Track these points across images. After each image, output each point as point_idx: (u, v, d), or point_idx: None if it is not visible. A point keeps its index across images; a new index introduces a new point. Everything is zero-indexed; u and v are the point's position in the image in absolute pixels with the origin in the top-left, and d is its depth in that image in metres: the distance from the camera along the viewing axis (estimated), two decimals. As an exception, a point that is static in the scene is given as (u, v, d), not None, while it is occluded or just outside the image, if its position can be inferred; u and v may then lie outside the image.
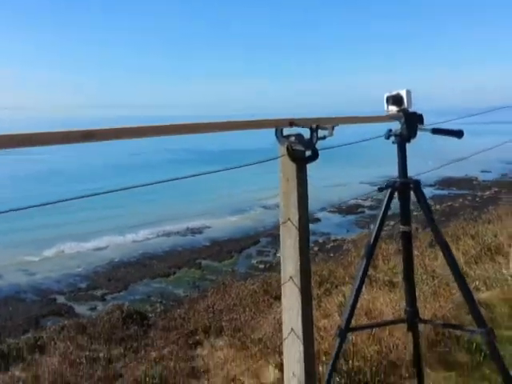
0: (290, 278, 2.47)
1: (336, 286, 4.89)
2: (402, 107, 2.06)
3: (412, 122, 2.04)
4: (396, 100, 2.07)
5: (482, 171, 30.20)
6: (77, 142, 1.68)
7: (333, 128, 2.30)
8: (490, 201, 22.52)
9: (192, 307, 4.95)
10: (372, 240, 2.08)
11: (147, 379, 3.55)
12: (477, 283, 4.33)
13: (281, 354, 3.43)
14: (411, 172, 2.17)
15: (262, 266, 16.25)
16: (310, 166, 2.59)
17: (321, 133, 2.38)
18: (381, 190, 2.12)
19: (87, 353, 3.84)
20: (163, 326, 4.36)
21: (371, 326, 3.22)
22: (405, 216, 2.12)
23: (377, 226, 2.08)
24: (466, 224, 6.59)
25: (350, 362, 3.20)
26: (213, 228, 20.91)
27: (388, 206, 2.09)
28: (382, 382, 3.03)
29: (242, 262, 16.77)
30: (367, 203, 24.04)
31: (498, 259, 4.89)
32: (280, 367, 3.19)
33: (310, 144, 2.36)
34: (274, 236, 19.01)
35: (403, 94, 2.06)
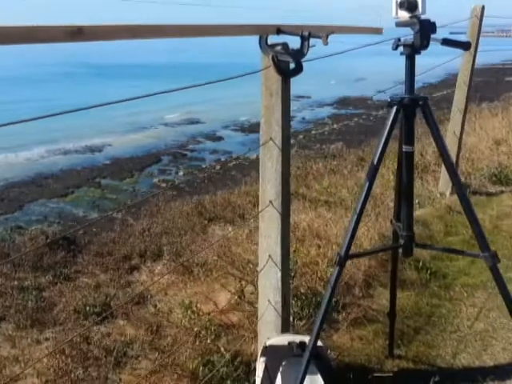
0: (270, 202, 2.30)
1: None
2: (416, 13, 1.87)
3: (426, 30, 1.86)
4: (409, 4, 1.86)
5: (377, 91, 31.18)
6: (61, 40, 1.33)
7: (327, 36, 2.07)
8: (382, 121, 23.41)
9: (124, 230, 4.68)
10: (376, 161, 1.93)
11: (87, 308, 3.31)
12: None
13: (235, 278, 3.33)
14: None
15: (164, 185, 15.96)
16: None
17: (312, 42, 2.15)
18: (390, 105, 1.96)
19: (15, 282, 3.51)
20: (95, 251, 4.06)
21: (370, 253, 3.17)
22: (409, 135, 1.99)
23: (381, 146, 1.93)
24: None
25: (308, 284, 3.15)
26: (113, 146, 20.02)
27: (393, 125, 1.94)
28: (338, 301, 3.03)
29: (143, 181, 16.32)
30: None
31: (427, 177, 5.04)
32: (239, 292, 3.07)
33: (300, 54, 2.12)
34: (175, 155, 18.68)
35: (418, -4, 1.86)
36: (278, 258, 2.35)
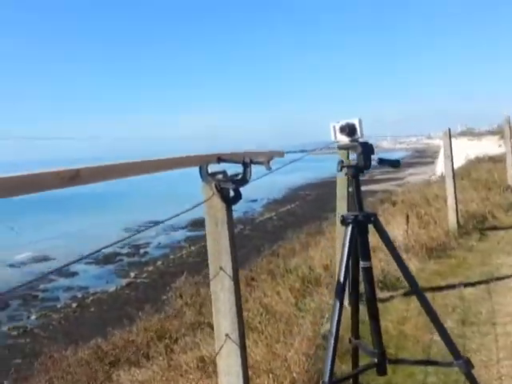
0: (227, 335, 2.16)
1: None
2: (355, 137, 2.00)
3: (367, 152, 1.99)
4: (350, 129, 1.99)
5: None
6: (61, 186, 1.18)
7: (268, 161, 2.12)
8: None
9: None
10: (342, 279, 1.94)
11: None
12: (318, 317, 4.46)
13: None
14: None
15: (15, 333, 14.39)
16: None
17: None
18: (344, 224, 2.01)
19: None
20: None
21: (349, 377, 3.01)
22: (365, 251, 2.04)
23: (344, 263, 1.95)
24: (269, 260, 6.83)
25: None
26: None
27: (352, 242, 1.98)
28: None
29: (-9, 333, 14.61)
30: (125, 251, 23.53)
31: (322, 291, 5.14)
32: None
33: (243, 181, 2.13)
34: (25, 297, 17.20)
35: (356, 122, 2.00)
36: (240, 397, 2.18)
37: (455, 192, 6.87)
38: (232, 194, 2.17)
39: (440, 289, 5.20)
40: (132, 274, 19.24)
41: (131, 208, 36.85)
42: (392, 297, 5.10)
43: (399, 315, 4.69)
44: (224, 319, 2.15)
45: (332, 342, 1.84)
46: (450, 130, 7.02)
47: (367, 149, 1.96)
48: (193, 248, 23.65)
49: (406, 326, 4.45)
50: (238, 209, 33.07)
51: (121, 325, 6.03)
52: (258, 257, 10.76)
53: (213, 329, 4.63)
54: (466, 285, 5.29)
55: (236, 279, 2.15)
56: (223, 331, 2.16)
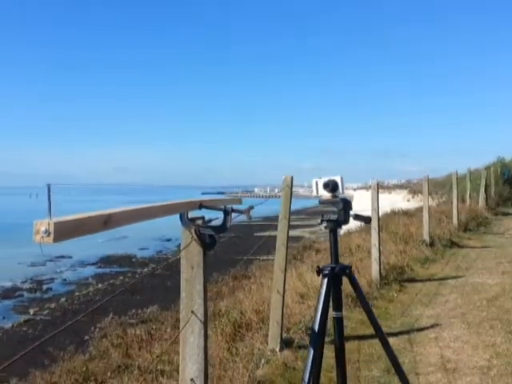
0: (192, 380, 2.14)
1: None
2: (337, 193, 2.09)
3: (347, 207, 2.09)
4: (331, 186, 2.08)
5: (140, 248, 31.52)
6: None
7: (249, 210, 2.18)
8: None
9: None
10: (317, 328, 1.99)
11: None
12: (250, 362, 4.45)
13: None
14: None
15: None
16: None
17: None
18: (322, 275, 2.07)
19: None
20: None
21: None
22: (338, 301, 2.11)
23: (319, 313, 2.01)
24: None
25: None
26: None
27: (328, 292, 2.05)
28: None
29: None
30: (26, 285, 22.28)
31: (252, 335, 5.15)
32: None
33: (223, 228, 2.16)
34: None
35: (338, 180, 2.10)
36: None
37: (379, 244, 7.18)
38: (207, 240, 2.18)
39: (365, 338, 5.36)
40: (31, 311, 18.13)
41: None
42: (320, 344, 5.19)
43: (328, 363, 4.77)
44: (191, 363, 2.14)
45: (305, 391, 1.87)
46: (378, 184, 7.37)
47: (347, 205, 2.07)
48: (100, 285, 22.80)
49: (334, 374, 4.54)
50: (151, 247, 32.56)
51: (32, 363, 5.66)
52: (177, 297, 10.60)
53: (142, 371, 4.51)
54: (389, 335, 5.48)
55: (206, 324, 2.15)
56: (188, 376, 2.14)
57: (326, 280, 2.05)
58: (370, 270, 7.27)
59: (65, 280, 24.22)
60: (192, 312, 2.13)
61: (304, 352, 4.96)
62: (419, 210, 14.91)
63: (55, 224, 1.00)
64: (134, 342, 5.04)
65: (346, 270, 2.09)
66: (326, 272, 2.07)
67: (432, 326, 5.76)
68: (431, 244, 9.70)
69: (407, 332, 5.67)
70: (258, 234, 31.29)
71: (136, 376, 4.44)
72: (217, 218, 2.29)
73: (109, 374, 4.62)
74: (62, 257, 28.08)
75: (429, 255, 9.18)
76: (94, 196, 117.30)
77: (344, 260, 7.87)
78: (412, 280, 7.77)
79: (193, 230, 2.12)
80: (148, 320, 6.03)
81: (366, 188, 42.51)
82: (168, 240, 34.91)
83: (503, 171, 21.86)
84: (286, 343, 5.00)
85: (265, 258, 11.80)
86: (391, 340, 5.30)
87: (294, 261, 8.52)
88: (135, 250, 30.52)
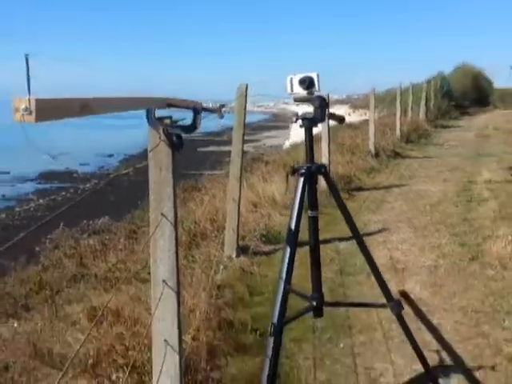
0: (164, 282, 2.13)
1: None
2: (313, 90, 2.02)
3: (323, 106, 2.03)
4: (308, 82, 2.01)
5: (81, 164, 30.75)
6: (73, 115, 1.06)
7: (220, 109, 2.09)
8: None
9: None
10: (294, 226, 1.99)
11: None
12: (208, 268, 4.50)
13: None
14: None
15: None
16: None
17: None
18: (298, 174, 2.05)
19: None
20: None
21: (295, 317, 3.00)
22: (313, 201, 2.10)
23: (296, 211, 2.01)
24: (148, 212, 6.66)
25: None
26: None
27: (304, 191, 2.04)
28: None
29: None
30: (-39, 203, 21.50)
31: (208, 243, 5.19)
32: None
33: (193, 127, 2.07)
34: None
35: (314, 76, 2.02)
36: (175, 341, 2.17)
37: (329, 154, 7.26)
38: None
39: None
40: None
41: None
42: (275, 250, 5.31)
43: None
44: (162, 265, 2.11)
45: (282, 285, 1.89)
46: (328, 95, 7.32)
47: (323, 103, 2.01)
48: (41, 201, 22.27)
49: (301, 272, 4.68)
50: (93, 163, 31.77)
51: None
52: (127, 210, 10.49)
53: (99, 280, 4.49)
54: (340, 239, 5.65)
55: (175, 226, 2.11)
56: (160, 277, 2.12)
57: (302, 179, 2.03)
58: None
59: (3, 196, 23.54)
60: (162, 214, 2.08)
61: (260, 258, 5.07)
62: (363, 123, 15.12)
63: (36, 101, 0.90)
64: (87, 252, 4.99)
65: (322, 169, 2.07)
66: (303, 171, 2.04)
67: (380, 231, 5.98)
68: (376, 155, 9.92)
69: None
70: (202, 150, 31.14)
71: (93, 284, 4.42)
72: (183, 119, 2.20)
73: (64, 283, 4.58)
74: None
75: (374, 165, 9.41)
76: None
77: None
78: (359, 189, 7.98)
79: (161, 130, 2.03)
80: (100, 231, 5.96)
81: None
82: (110, 156, 34.15)
83: (443, 84, 22.29)
84: (242, 250, 5.08)
85: (210, 172, 11.78)
86: (343, 244, 5.49)
87: (244, 173, 8.54)
88: (76, 166, 29.73)
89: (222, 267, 4.64)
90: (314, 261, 2.19)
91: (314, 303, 2.15)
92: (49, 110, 0.95)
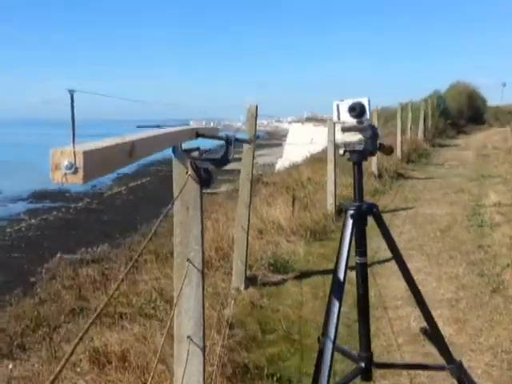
0: (189, 337, 1.85)
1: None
2: (365, 118, 1.78)
3: (375, 136, 1.78)
4: (358, 110, 1.76)
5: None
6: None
7: (252, 139, 1.84)
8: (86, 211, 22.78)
9: None
10: (342, 276, 1.73)
11: None
12: (212, 302, 4.23)
13: None
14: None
15: None
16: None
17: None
18: (349, 215, 1.79)
19: None
20: None
21: None
22: (362, 245, 1.85)
23: (344, 258, 1.75)
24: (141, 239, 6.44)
25: None
26: None
27: (352, 236, 1.78)
28: None
29: None
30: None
31: (213, 274, 4.91)
32: None
33: (225, 160, 1.82)
34: None
35: (365, 102, 1.78)
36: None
37: (335, 177, 7.03)
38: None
39: (328, 271, 5.24)
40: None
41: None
42: (284, 280, 5.04)
43: (295, 299, 4.64)
44: (188, 319, 1.84)
45: (330, 346, 1.63)
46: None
47: (375, 133, 1.76)
48: (33, 221, 21.87)
49: (303, 311, 4.41)
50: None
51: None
52: (121, 234, 10.20)
53: (100, 314, 4.19)
54: (349, 268, 5.38)
55: (203, 274, 1.85)
56: (185, 333, 1.85)
57: (350, 221, 1.77)
58: (325, 203, 7.14)
59: (-6, 216, 23.06)
60: (188, 260, 1.82)
61: (269, 289, 4.80)
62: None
63: (85, 155, 0.65)
64: (87, 284, 4.69)
65: (373, 209, 1.82)
66: (352, 212, 1.78)
67: (392, 258, 5.71)
68: (379, 176, 9.70)
69: (368, 264, 5.61)
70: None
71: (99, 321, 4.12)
72: (209, 149, 1.95)
73: (62, 317, 4.28)
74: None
75: (378, 187, 9.18)
76: (25, 129, 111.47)
77: (298, 193, 7.70)
78: (366, 212, 7.73)
79: (188, 164, 1.77)
80: (100, 259, 5.65)
81: (301, 121, 42.49)
82: (102, 174, 33.81)
83: (439, 103, 22.22)
84: (250, 280, 4.81)
85: (209, 191, 11.47)
86: (353, 273, 5.22)
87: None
88: (68, 185, 29.28)
89: (231, 301, 4.36)
90: (362, 314, 1.92)
91: (363, 364, 1.88)
92: (98, 164, 0.70)
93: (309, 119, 42.85)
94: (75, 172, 0.67)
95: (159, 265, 5.13)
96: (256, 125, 4.66)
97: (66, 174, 0.66)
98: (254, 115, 4.60)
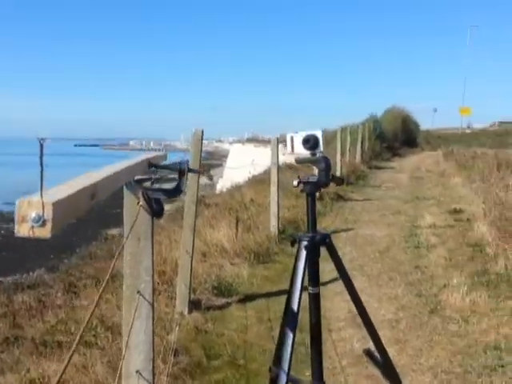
0: (138, 372, 1.80)
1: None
2: (318, 150, 1.80)
3: (328, 168, 1.81)
4: (312, 142, 1.79)
5: (5, 203, 29.14)
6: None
7: (209, 172, 1.83)
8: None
9: None
10: (296, 307, 1.73)
11: None
12: (155, 328, 4.14)
13: None
14: None
15: None
16: None
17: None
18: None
19: None
20: None
21: None
22: (315, 276, 1.86)
23: (298, 290, 1.75)
24: (86, 263, 6.19)
25: None
26: None
27: (306, 267, 1.79)
28: None
29: None
30: None
31: (156, 298, 4.82)
32: None
33: (177, 191, 1.81)
34: None
35: (319, 135, 1.81)
36: None
37: (278, 199, 7.09)
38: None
39: (273, 294, 5.26)
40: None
41: None
42: (228, 303, 5.01)
43: (239, 323, 4.61)
44: (137, 353, 1.79)
45: (284, 377, 1.62)
46: (277, 139, 7.21)
47: (328, 164, 1.80)
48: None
49: (248, 335, 4.38)
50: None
51: None
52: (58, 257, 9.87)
53: (37, 344, 4.02)
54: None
55: (153, 306, 1.81)
56: (133, 368, 1.79)
57: (304, 252, 1.78)
58: (269, 225, 7.18)
59: None
60: (138, 292, 1.77)
61: (213, 313, 4.75)
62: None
63: (54, 206, 0.62)
64: (22, 311, 4.48)
65: (326, 240, 1.84)
66: (306, 243, 1.79)
67: (335, 280, 5.78)
68: (320, 198, 9.86)
69: (311, 287, 5.66)
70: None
71: (30, 348, 3.95)
72: (160, 177, 1.93)
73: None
74: None
75: (319, 209, 9.30)
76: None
77: (241, 215, 7.69)
78: (307, 234, 7.82)
79: (140, 194, 1.74)
80: (36, 285, 5.42)
81: (242, 142, 42.64)
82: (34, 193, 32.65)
83: (375, 126, 22.96)
84: (194, 304, 4.75)
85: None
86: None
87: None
88: (0, 205, 28.10)
89: (175, 327, 4.28)
90: (314, 343, 1.93)
91: (315, 395, 1.88)
92: (66, 214, 0.67)
93: (250, 140, 43.13)
94: (43, 225, 0.63)
95: (98, 290, 4.97)
96: (202, 149, 4.66)
97: (33, 227, 0.62)
98: (200, 139, 4.59)
